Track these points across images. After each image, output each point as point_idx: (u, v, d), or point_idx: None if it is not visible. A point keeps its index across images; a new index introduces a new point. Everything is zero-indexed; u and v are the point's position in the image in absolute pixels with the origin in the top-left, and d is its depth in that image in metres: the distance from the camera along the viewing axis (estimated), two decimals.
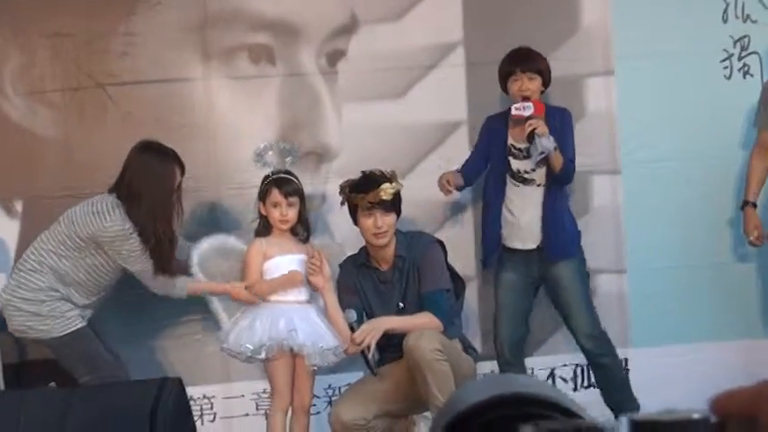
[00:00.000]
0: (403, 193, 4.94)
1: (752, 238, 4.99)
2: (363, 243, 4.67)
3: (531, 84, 4.78)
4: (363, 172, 4.62)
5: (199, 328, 5.14)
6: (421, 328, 4.43)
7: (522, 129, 4.74)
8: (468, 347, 4.69)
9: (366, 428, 4.47)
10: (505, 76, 4.84)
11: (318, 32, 5.24)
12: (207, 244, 4.83)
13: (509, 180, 4.86)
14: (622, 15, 5.23)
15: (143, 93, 5.20)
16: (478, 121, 5.21)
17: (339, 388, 5.12)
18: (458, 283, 4.78)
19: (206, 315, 5.02)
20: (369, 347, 4.38)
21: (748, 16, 5.27)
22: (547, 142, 4.65)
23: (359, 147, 5.11)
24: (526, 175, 4.84)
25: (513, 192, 4.84)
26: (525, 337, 4.96)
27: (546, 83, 4.83)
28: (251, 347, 4.45)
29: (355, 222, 4.62)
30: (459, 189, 4.96)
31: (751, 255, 5.24)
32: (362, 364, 4.75)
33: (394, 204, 4.57)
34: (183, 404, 4.40)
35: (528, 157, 4.77)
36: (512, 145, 4.84)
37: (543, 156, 4.68)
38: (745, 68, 5.30)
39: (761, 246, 5.01)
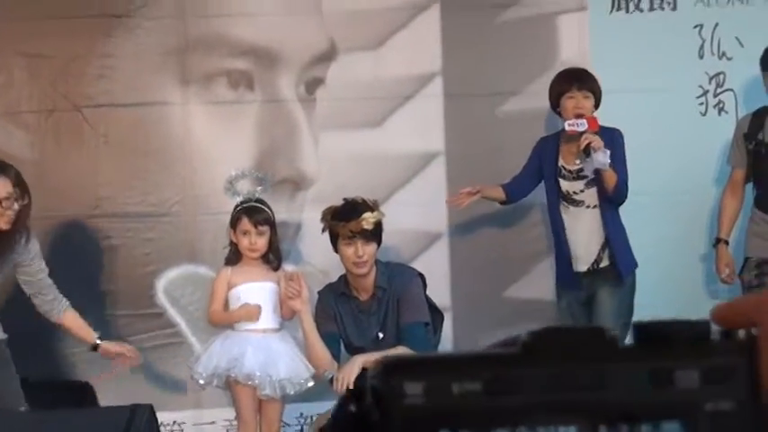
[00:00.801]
0: None
1: (723, 275, 5.02)
2: (342, 271, 4.66)
3: (586, 102, 4.81)
4: (346, 199, 4.58)
5: (172, 351, 5.12)
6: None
7: (573, 147, 4.78)
8: None
9: None
10: (558, 94, 4.86)
11: (298, 60, 5.25)
12: (175, 273, 4.80)
13: (561, 202, 4.89)
14: (600, 50, 5.27)
15: (120, 116, 5.19)
16: (456, 152, 5.23)
17: (311, 416, 5.10)
18: (436, 316, 4.75)
19: (179, 338, 4.99)
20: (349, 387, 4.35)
21: (724, 53, 5.32)
22: (603, 157, 4.69)
23: (335, 175, 5.12)
24: (575, 197, 4.86)
25: (565, 213, 4.87)
26: None
27: (598, 103, 4.87)
28: (204, 375, 4.47)
29: (336, 250, 4.61)
30: (503, 203, 5.00)
31: (722, 291, 5.26)
32: (334, 394, 4.75)
33: (375, 234, 4.53)
34: (154, 431, 4.38)
35: (578, 178, 4.81)
36: (562, 166, 4.86)
37: (597, 170, 4.72)
38: (720, 105, 5.36)
39: (732, 283, 5.03)
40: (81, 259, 5.13)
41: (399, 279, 4.59)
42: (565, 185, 4.86)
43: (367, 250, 4.50)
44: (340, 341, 4.59)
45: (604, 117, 5.18)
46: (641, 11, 5.32)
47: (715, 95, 5.35)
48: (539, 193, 5.05)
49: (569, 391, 0.80)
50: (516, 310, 5.29)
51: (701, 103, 5.34)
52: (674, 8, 5.33)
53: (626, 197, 4.81)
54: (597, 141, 4.68)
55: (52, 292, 4.53)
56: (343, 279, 4.64)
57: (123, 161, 5.20)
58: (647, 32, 5.27)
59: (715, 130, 5.19)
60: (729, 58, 5.31)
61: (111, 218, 5.16)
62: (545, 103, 5.21)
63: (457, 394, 0.90)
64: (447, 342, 5.24)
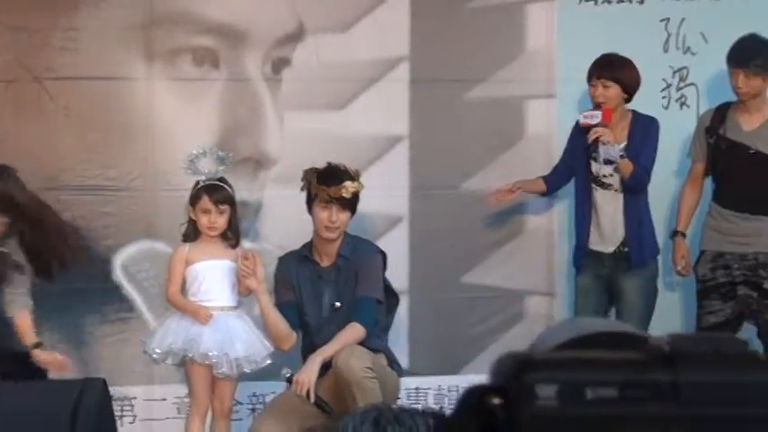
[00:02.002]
0: None
1: (679, 267, 5.06)
2: (307, 239, 4.65)
3: (607, 91, 4.83)
4: (329, 163, 4.60)
5: (124, 327, 5.08)
6: (349, 342, 4.41)
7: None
8: (392, 362, 4.68)
9: None
10: (588, 78, 4.91)
11: (264, 39, 5.22)
12: (134, 249, 4.77)
13: (591, 183, 4.93)
14: (567, 40, 5.29)
15: (82, 89, 5.14)
16: (420, 137, 5.23)
17: (264, 396, 5.08)
18: (391, 298, 4.77)
19: (133, 315, 4.95)
20: (309, 395, 4.34)
21: (689, 48, 5.36)
22: (611, 150, 4.78)
23: (298, 155, 5.08)
24: (604, 180, 4.91)
25: (596, 195, 4.93)
26: None
27: (628, 90, 4.87)
28: (159, 352, 4.46)
29: (309, 210, 4.61)
30: (543, 194, 5.10)
31: (678, 284, 5.30)
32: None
33: (351, 203, 4.57)
34: (106, 406, 4.33)
35: (608, 162, 4.86)
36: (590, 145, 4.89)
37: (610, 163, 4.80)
38: (683, 99, 5.39)
39: (687, 275, 5.08)
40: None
41: (362, 251, 4.61)
42: (595, 168, 4.93)
43: (341, 217, 4.54)
44: (297, 309, 4.59)
45: (569, 107, 5.22)
46: (609, 2, 5.33)
47: (678, 90, 5.39)
48: (489, 179, 5.07)
49: (711, 403, 0.75)
50: (474, 296, 5.31)
51: (664, 97, 5.38)
52: (642, 1, 5.35)
53: (644, 185, 4.88)
54: (606, 135, 4.77)
55: (24, 287, 4.54)
56: (308, 245, 4.66)
57: (84, 134, 5.14)
58: (614, 24, 5.29)
59: (676, 124, 5.21)
60: (694, 53, 5.35)
61: (70, 190, 5.10)
62: (511, 90, 5.23)
63: (591, 400, 0.83)
64: (403, 326, 5.25)
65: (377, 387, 4.33)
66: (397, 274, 5.01)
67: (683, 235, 5.06)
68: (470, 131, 5.27)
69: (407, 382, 4.92)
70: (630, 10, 5.34)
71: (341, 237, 4.60)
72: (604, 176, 4.91)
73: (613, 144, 4.78)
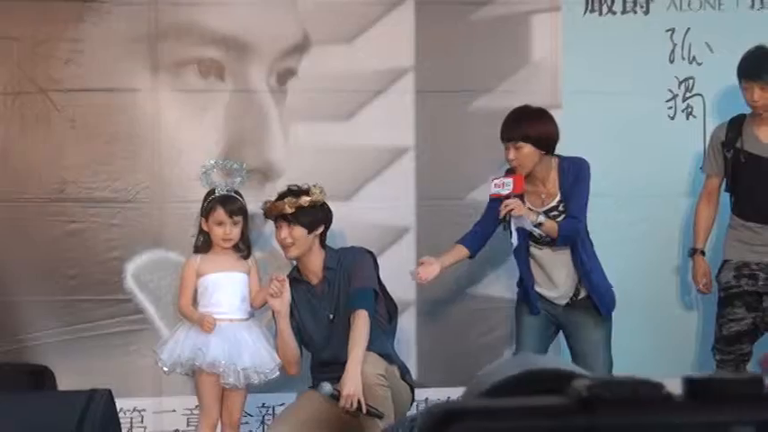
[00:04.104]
0: (346, 216, 4.95)
1: (701, 285, 5.00)
2: None
3: (520, 153, 4.56)
4: (288, 186, 4.68)
5: (134, 338, 5.08)
6: (363, 332, 4.42)
7: (539, 186, 4.62)
8: (405, 375, 4.69)
9: None
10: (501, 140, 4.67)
11: (270, 50, 5.23)
12: (146, 257, 4.78)
13: (531, 244, 4.68)
14: (572, 51, 5.30)
15: (88, 101, 5.15)
16: (425, 148, 5.24)
17: (273, 407, 5.09)
18: (390, 304, 4.77)
19: (143, 325, 4.96)
20: (362, 406, 4.34)
21: (694, 58, 5.37)
22: (524, 222, 4.53)
23: (304, 166, 5.10)
24: (545, 238, 4.65)
25: (537, 254, 4.70)
26: None
27: (542, 146, 4.58)
28: (169, 362, 4.49)
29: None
30: (470, 258, 4.78)
31: (696, 302, 5.27)
32: (297, 385, 4.74)
33: (297, 217, 4.57)
34: (112, 417, 4.34)
35: (522, 230, 4.59)
36: (529, 208, 4.63)
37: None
38: (689, 110, 5.40)
39: (709, 293, 5.02)
40: (45, 243, 5.08)
41: (348, 256, 4.65)
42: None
43: (292, 233, 4.56)
44: (299, 333, 4.63)
45: (574, 118, 5.22)
46: (614, 13, 5.35)
47: (684, 100, 5.40)
48: None
49: None
50: (481, 307, 5.31)
51: (670, 107, 5.38)
52: (647, 12, 5.37)
53: (573, 239, 4.61)
54: (518, 208, 4.49)
55: None
56: (296, 267, 4.71)
57: (90, 146, 5.15)
58: (619, 35, 5.31)
59: (682, 135, 5.23)
60: (699, 63, 5.35)
61: (77, 202, 5.11)
62: (516, 101, 5.23)
63: None
64: (411, 336, 5.25)
65: (389, 396, 4.34)
66: (404, 285, 5.02)
67: (703, 252, 5.00)
68: (476, 142, 5.27)
69: (416, 394, 4.92)
70: (635, 20, 5.35)
71: (318, 253, 4.62)
72: (542, 235, 4.64)
73: (525, 218, 4.49)
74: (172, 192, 5.14)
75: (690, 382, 0.73)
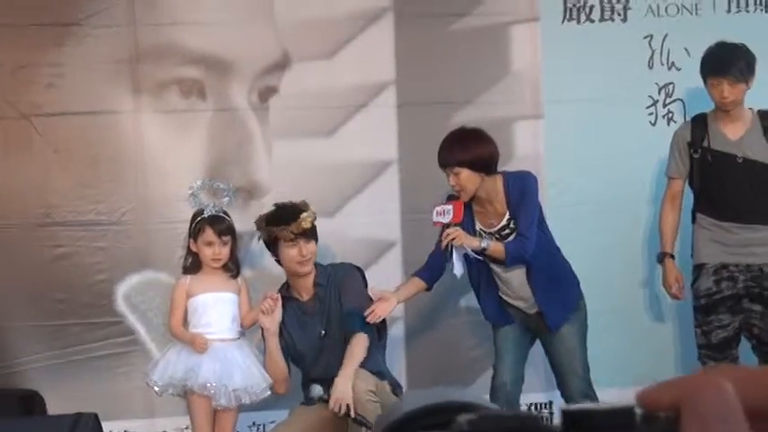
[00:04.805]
0: (332, 232, 4.96)
1: (673, 290, 4.96)
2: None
3: (459, 178, 4.53)
4: (276, 205, 4.68)
5: (124, 360, 5.07)
6: (360, 353, 4.45)
7: (489, 206, 4.59)
8: (396, 390, 4.70)
9: None
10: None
11: (250, 68, 5.24)
12: (136, 279, 4.78)
13: (489, 262, 4.65)
14: (552, 60, 5.32)
15: (70, 125, 5.15)
16: (409, 161, 5.25)
17: (264, 425, 5.08)
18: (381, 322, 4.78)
19: (133, 347, 4.95)
20: (350, 411, 4.38)
21: (673, 63, 5.40)
22: (467, 250, 4.52)
23: (289, 184, 5.11)
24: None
25: (498, 271, 4.68)
26: (521, 383, 4.80)
27: (480, 168, 4.53)
28: (160, 384, 4.50)
29: (275, 255, 4.65)
30: (428, 290, 4.76)
31: (666, 314, 5.29)
32: (288, 403, 4.74)
33: (313, 232, 4.64)
34: None
35: (500, 239, 4.57)
36: (480, 230, 4.65)
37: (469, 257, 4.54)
38: (670, 115, 5.42)
39: (682, 299, 4.99)
40: (31, 268, 5.07)
41: (338, 274, 4.68)
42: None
43: (309, 248, 4.62)
44: (287, 351, 4.64)
45: (556, 127, 5.24)
46: (592, 21, 5.38)
47: (664, 105, 5.42)
48: None
49: None
50: (470, 320, 5.31)
51: (651, 113, 5.41)
52: (625, 19, 5.40)
53: (523, 258, 4.55)
54: (459, 237, 4.47)
55: None
56: (285, 284, 4.72)
57: (73, 170, 5.15)
58: (598, 43, 5.34)
59: (664, 140, 5.23)
60: (678, 69, 5.38)
61: (62, 226, 5.11)
62: (498, 112, 5.26)
63: None
64: (399, 351, 5.25)
65: (379, 411, 4.34)
66: None
67: (672, 256, 4.96)
68: None
69: None
70: (614, 28, 5.38)
71: (313, 268, 4.65)
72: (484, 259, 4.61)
73: (465, 247, 4.48)
74: (157, 212, 5.14)
75: (566, 414, 0.75)
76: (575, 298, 4.72)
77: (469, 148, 4.54)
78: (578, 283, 4.75)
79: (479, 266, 4.68)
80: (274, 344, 4.58)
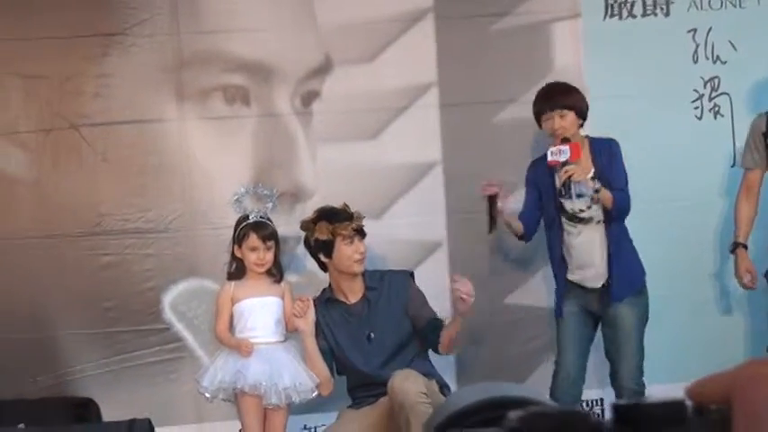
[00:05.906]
0: (378, 234, 4.98)
1: (745, 280, 4.89)
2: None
3: (564, 121, 4.73)
4: (323, 208, 4.72)
5: (174, 366, 5.12)
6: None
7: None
8: (443, 387, 4.70)
9: None
10: (537, 114, 4.83)
11: (293, 73, 5.27)
12: (182, 287, 4.83)
13: (565, 223, 4.74)
14: (594, 57, 5.29)
15: (117, 134, 5.20)
16: (453, 162, 5.25)
17: (315, 428, 5.11)
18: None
19: (182, 353, 5.00)
20: None
21: (718, 57, 5.33)
22: (584, 188, 4.62)
23: (333, 187, 5.13)
24: (583, 215, 4.72)
25: (573, 233, 4.73)
26: (585, 370, 4.84)
27: (583, 114, 4.77)
28: (211, 389, 4.53)
29: (327, 255, 4.66)
30: (524, 239, 4.91)
31: (734, 307, 5.22)
32: (336, 404, 4.76)
33: (365, 232, 4.72)
34: None
35: (581, 195, 4.69)
36: (561, 186, 4.73)
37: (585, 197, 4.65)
38: (716, 109, 5.36)
39: (754, 289, 4.92)
40: (82, 277, 5.14)
41: (394, 278, 4.72)
42: (569, 205, 4.74)
43: (364, 247, 4.68)
44: (331, 354, 4.67)
45: (600, 124, 5.21)
46: (634, 17, 5.34)
47: (710, 99, 5.36)
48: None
49: None
50: (518, 317, 5.30)
51: (697, 108, 5.35)
52: (667, 14, 5.35)
53: (628, 210, 4.73)
54: (578, 173, 4.61)
55: None
56: (328, 288, 4.75)
57: (122, 178, 5.21)
58: (640, 38, 5.29)
59: (711, 135, 5.19)
60: (724, 62, 5.32)
61: (111, 235, 5.17)
62: None
63: None
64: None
65: (429, 411, 4.35)
66: (439, 299, 5.02)
67: (745, 246, 4.90)
68: (503, 152, 5.28)
69: None
70: (657, 23, 5.33)
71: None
72: (581, 211, 4.72)
73: (587, 180, 4.62)
74: (204, 219, 5.18)
75: (617, 409, 0.75)
76: (640, 278, 4.79)
77: (576, 95, 4.79)
78: (644, 271, 4.80)
79: (553, 231, 4.76)
80: (312, 345, 4.61)
